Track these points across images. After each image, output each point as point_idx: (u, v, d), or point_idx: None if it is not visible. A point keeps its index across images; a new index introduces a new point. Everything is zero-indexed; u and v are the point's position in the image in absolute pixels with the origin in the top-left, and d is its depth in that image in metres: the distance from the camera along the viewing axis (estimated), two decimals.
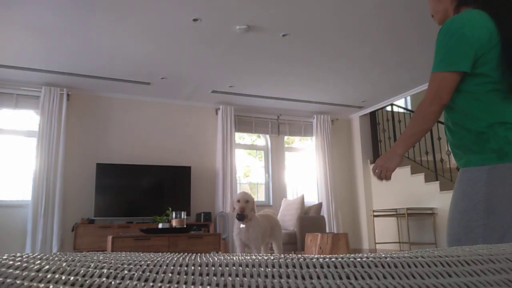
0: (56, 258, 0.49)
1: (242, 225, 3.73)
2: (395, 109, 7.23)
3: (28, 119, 5.98)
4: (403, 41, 4.77)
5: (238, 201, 3.72)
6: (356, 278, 0.40)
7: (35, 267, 0.42)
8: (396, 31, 4.53)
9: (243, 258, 0.48)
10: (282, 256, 0.48)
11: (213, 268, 0.42)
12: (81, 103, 6.17)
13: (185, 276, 0.39)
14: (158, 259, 0.48)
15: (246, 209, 3.69)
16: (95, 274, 0.40)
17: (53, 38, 4.52)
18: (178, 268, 0.42)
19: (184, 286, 0.37)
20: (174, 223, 4.38)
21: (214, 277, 0.39)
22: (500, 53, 1.40)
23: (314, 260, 0.44)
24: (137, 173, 6.11)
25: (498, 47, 1.40)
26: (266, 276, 0.39)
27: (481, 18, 1.42)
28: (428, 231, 6.11)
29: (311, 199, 7.05)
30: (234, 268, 0.42)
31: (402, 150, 1.56)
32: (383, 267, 0.43)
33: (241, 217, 3.69)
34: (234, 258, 0.47)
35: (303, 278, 0.39)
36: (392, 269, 0.42)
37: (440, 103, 1.43)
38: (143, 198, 6.08)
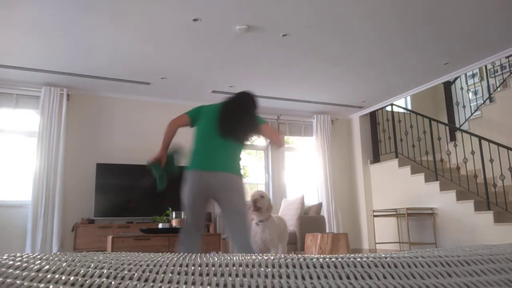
0: (56, 258, 0.49)
1: (257, 222, 3.58)
2: (395, 109, 7.23)
3: (28, 119, 5.98)
4: (403, 41, 4.77)
5: (252, 196, 3.64)
6: (356, 278, 0.40)
7: (35, 267, 0.42)
8: (396, 32, 4.53)
9: (243, 258, 0.48)
10: (282, 256, 0.48)
11: (213, 268, 0.42)
12: (81, 103, 6.17)
13: (185, 276, 0.39)
14: (158, 259, 0.48)
15: (258, 202, 3.57)
16: (95, 274, 0.40)
17: (53, 38, 4.52)
18: (178, 268, 0.42)
19: (184, 286, 0.37)
20: (174, 223, 4.38)
21: (214, 277, 0.39)
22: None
23: (314, 260, 0.44)
24: (137, 173, 6.11)
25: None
26: (266, 276, 0.39)
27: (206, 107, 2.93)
28: (428, 231, 6.11)
29: (311, 199, 7.05)
30: (234, 268, 0.42)
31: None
32: (383, 267, 0.43)
33: (256, 208, 3.55)
34: (234, 258, 0.47)
35: (303, 278, 0.39)
36: (392, 269, 0.42)
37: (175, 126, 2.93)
38: (143, 198, 6.08)
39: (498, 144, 5.31)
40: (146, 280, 0.39)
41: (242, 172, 2.79)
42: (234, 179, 2.70)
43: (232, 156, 2.77)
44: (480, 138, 5.49)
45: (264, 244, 3.61)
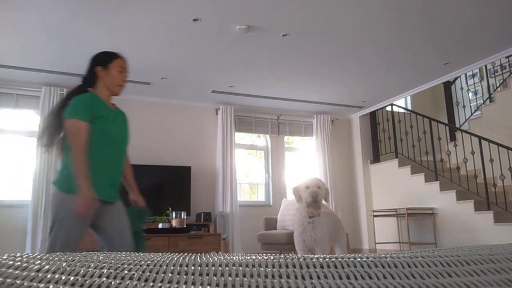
0: (56, 258, 0.49)
1: (309, 219, 3.12)
2: (395, 109, 7.23)
3: (28, 119, 5.98)
4: (403, 41, 4.77)
5: (308, 187, 3.11)
6: (356, 278, 0.40)
7: (35, 267, 0.42)
8: (396, 31, 4.53)
9: (243, 258, 0.48)
10: (282, 256, 0.48)
11: (213, 268, 0.42)
12: None
13: (185, 276, 0.39)
14: (158, 259, 0.48)
15: (318, 195, 3.08)
16: (95, 274, 0.40)
17: (53, 39, 4.52)
18: (178, 268, 0.42)
19: (184, 286, 0.37)
20: (174, 223, 4.39)
21: (214, 277, 0.39)
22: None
23: (314, 260, 0.45)
24: (137, 173, 6.07)
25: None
26: (266, 276, 0.39)
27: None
28: (428, 231, 6.11)
29: None
30: (234, 268, 0.42)
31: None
32: (383, 267, 0.43)
33: (315, 204, 3.08)
34: (234, 258, 0.47)
35: (303, 278, 0.39)
36: (392, 269, 0.42)
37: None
38: (143, 198, 6.07)
39: (498, 144, 5.31)
40: (146, 280, 0.39)
41: (66, 183, 2.16)
42: (54, 195, 2.25)
43: (60, 169, 2.33)
44: (480, 138, 5.49)
45: (315, 244, 3.15)
